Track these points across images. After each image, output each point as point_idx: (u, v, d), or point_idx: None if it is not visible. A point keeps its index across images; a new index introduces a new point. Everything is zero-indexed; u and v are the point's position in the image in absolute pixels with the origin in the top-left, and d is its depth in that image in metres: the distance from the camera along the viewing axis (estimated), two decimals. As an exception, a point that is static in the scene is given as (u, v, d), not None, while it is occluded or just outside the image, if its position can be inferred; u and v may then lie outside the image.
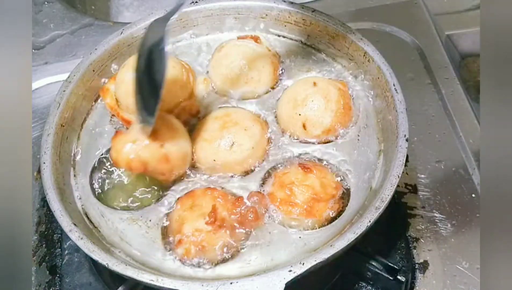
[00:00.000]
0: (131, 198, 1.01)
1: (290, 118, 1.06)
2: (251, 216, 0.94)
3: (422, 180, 1.17)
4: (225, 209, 0.94)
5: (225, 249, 0.92)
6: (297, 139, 1.06)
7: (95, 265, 1.09)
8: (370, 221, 0.87)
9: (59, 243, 1.14)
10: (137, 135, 0.95)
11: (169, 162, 0.97)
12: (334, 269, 1.06)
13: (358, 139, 1.05)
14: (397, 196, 1.14)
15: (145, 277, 0.84)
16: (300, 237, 0.94)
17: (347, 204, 0.98)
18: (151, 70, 0.91)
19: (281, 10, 1.18)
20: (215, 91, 1.15)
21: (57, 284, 1.09)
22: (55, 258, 1.12)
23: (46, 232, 1.15)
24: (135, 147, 0.94)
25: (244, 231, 0.94)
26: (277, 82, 1.15)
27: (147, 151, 0.95)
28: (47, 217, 1.17)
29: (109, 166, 1.04)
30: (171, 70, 1.07)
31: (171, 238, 0.95)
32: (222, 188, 1.00)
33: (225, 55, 1.14)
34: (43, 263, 1.11)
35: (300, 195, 0.96)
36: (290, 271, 0.83)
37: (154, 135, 0.95)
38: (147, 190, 1.01)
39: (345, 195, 0.99)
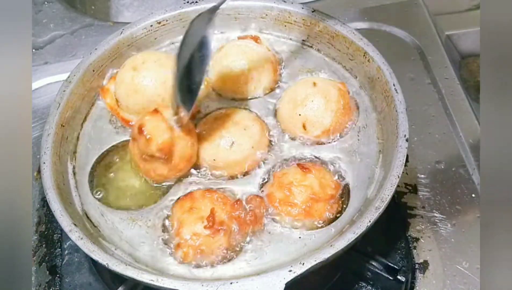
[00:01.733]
0: (131, 198, 1.01)
1: (290, 118, 1.06)
2: (250, 218, 0.94)
3: (422, 180, 1.16)
4: (224, 212, 0.94)
5: (224, 252, 0.92)
6: (297, 139, 1.06)
7: (95, 265, 1.09)
8: (370, 221, 0.87)
9: (59, 243, 1.14)
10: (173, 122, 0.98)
11: (189, 161, 1.00)
12: (334, 269, 1.06)
13: (358, 139, 1.05)
14: (397, 196, 1.14)
15: (145, 277, 0.84)
16: (300, 237, 0.94)
17: (346, 204, 0.98)
18: (192, 65, 0.93)
19: (281, 10, 1.18)
20: (215, 91, 1.15)
21: (57, 284, 1.09)
22: (55, 258, 1.12)
23: (46, 232, 1.15)
24: (172, 132, 0.96)
25: (243, 233, 0.94)
26: (277, 82, 1.15)
27: (181, 141, 0.97)
28: (47, 217, 1.17)
29: (108, 166, 1.04)
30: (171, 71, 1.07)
31: (170, 240, 0.95)
32: (221, 189, 1.00)
33: (225, 55, 1.14)
34: (43, 263, 1.11)
35: (299, 195, 0.96)
36: (290, 271, 0.83)
37: (186, 131, 0.98)
38: (147, 190, 1.01)
39: (345, 195, 0.99)
